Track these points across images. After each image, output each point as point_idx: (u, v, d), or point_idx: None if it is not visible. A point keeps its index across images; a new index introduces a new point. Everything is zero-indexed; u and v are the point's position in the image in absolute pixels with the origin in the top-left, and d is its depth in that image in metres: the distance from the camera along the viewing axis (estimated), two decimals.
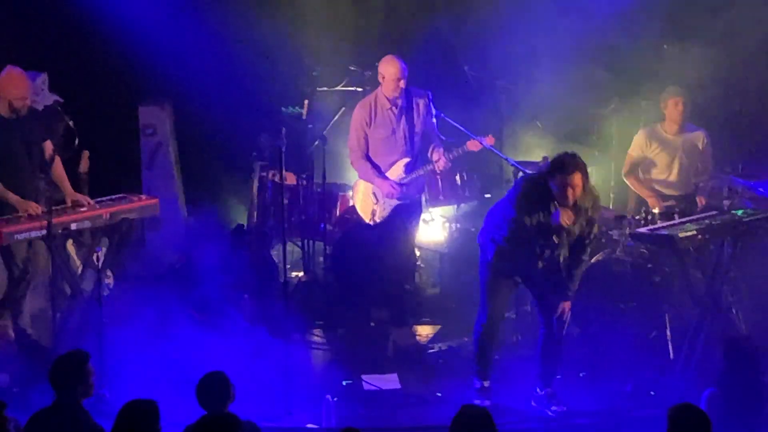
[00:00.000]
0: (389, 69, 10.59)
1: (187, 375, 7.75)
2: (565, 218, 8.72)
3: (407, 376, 9.77)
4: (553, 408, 9.13)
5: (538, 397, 9.23)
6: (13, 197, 9.76)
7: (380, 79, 10.68)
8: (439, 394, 9.46)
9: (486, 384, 9.25)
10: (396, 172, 10.72)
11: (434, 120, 10.64)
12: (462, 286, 11.38)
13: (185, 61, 12.38)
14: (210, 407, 7.22)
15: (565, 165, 8.72)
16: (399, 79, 10.56)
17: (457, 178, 11.62)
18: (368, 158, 10.78)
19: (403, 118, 10.67)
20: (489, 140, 10.54)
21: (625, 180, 11.30)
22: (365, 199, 10.91)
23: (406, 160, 10.69)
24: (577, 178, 8.69)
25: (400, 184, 10.68)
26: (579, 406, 9.20)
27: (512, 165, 10.29)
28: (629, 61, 12.48)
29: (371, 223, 10.87)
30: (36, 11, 11.74)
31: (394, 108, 10.67)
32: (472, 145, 10.49)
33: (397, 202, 10.78)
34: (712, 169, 11.11)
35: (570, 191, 8.69)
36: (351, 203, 11.27)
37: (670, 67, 12.23)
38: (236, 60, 12.52)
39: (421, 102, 10.65)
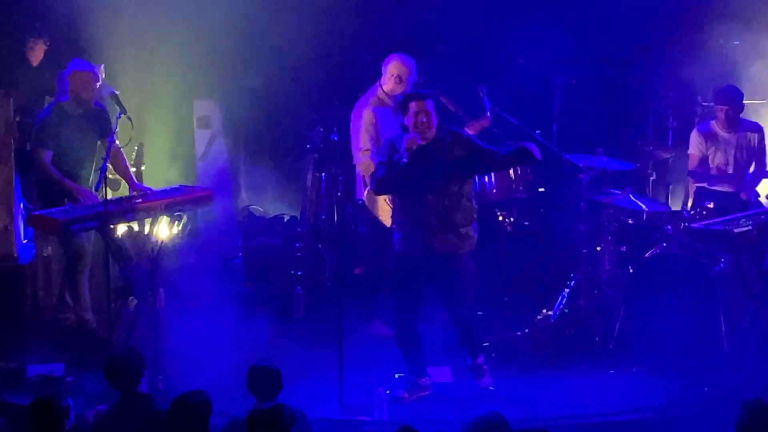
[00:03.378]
0: (394, 67, 10.38)
1: (241, 366, 7.79)
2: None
3: (460, 370, 9.76)
4: (481, 383, 9.24)
5: (468, 366, 9.33)
6: (70, 185, 9.89)
7: (385, 78, 10.44)
8: (492, 388, 9.44)
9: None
10: None
11: (488, 114, 10.59)
12: (516, 279, 11.38)
13: (239, 53, 12.45)
14: (260, 396, 7.29)
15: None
16: (398, 76, 10.36)
17: (511, 172, 11.58)
18: None
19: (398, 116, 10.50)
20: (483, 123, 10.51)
21: (690, 179, 11.24)
22: (383, 206, 10.38)
23: None
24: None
25: None
26: (632, 401, 9.17)
27: (564, 158, 10.26)
28: (681, 56, 12.41)
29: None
30: (93, 3, 11.82)
31: (391, 104, 10.49)
32: (471, 129, 10.38)
33: None
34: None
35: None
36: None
37: (725, 63, 12.16)
38: (289, 52, 12.54)
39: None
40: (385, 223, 10.35)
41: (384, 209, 10.38)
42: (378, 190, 9.29)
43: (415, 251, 9.04)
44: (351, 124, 10.50)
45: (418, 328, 9.27)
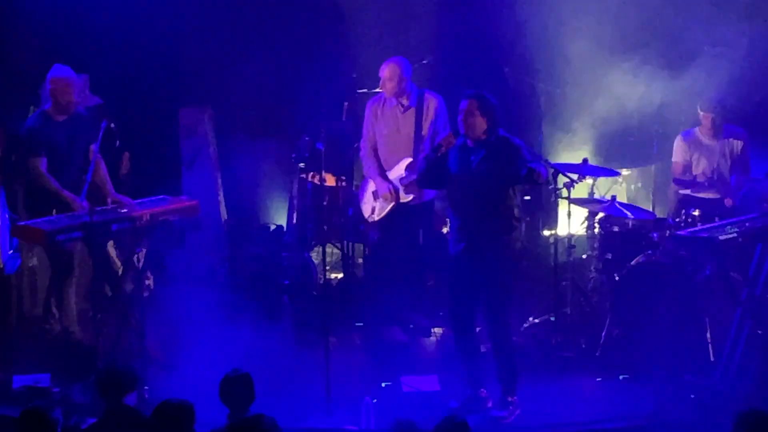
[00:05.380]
0: (382, 72, 10.59)
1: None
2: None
3: (447, 378, 9.74)
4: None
5: (497, 399, 9.13)
6: (65, 194, 9.86)
7: None
8: None
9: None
10: (397, 171, 10.56)
11: None
12: None
13: (225, 62, 12.43)
14: (234, 407, 7.26)
15: None
16: (383, 80, 10.53)
17: None
18: (376, 155, 10.70)
19: (412, 118, 10.59)
20: None
21: (674, 187, 11.24)
22: (368, 194, 10.79)
23: (409, 160, 10.48)
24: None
25: (399, 187, 10.53)
26: (619, 409, 9.17)
27: (551, 167, 10.26)
28: (666, 63, 12.43)
29: (369, 220, 10.79)
30: (77, 12, 11.80)
31: (400, 106, 10.60)
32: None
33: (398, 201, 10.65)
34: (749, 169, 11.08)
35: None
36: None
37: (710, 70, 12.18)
38: (276, 62, 12.53)
39: (432, 104, 10.55)
40: (363, 211, 10.68)
41: (366, 199, 10.68)
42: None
43: (454, 253, 9.04)
44: None
45: (473, 332, 9.19)
